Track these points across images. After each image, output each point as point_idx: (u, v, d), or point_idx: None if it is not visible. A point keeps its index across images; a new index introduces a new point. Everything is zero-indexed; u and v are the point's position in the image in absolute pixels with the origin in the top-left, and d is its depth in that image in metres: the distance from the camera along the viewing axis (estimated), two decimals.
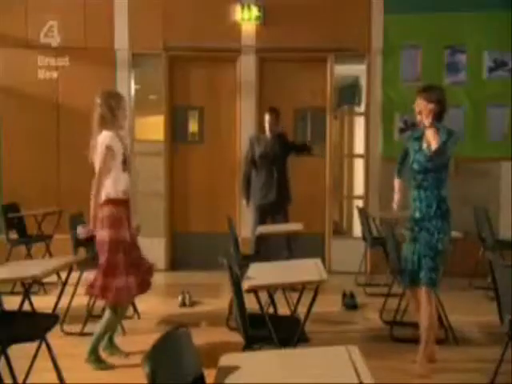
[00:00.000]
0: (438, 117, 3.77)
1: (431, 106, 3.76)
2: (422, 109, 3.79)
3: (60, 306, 3.81)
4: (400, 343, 4.35)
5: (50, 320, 3.30)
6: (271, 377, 1.90)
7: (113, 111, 3.97)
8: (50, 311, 3.61)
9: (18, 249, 6.21)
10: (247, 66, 7.05)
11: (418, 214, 3.86)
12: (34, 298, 3.56)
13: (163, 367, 1.72)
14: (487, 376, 3.42)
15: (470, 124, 6.89)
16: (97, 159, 3.94)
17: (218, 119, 7.25)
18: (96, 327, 4.08)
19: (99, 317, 4.79)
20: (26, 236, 6.48)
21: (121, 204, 3.99)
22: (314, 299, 3.08)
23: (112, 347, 4.18)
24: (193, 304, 5.54)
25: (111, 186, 3.95)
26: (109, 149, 3.90)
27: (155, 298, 5.75)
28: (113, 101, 4.00)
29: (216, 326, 4.85)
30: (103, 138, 3.93)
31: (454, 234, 4.70)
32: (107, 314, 4.05)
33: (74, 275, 4.27)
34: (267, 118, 6.17)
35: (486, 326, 4.79)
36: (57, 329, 3.90)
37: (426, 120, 3.76)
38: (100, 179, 3.92)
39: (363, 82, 7.20)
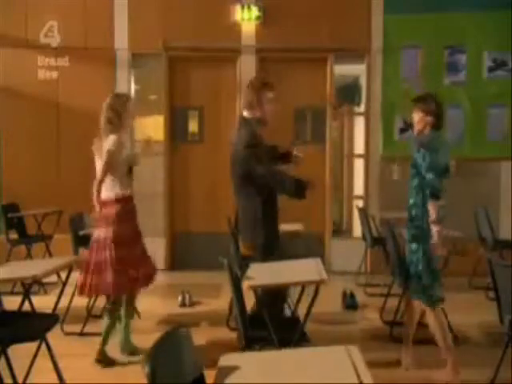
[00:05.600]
0: (435, 127, 3.78)
1: (428, 118, 3.77)
2: (419, 121, 3.80)
3: (60, 305, 3.81)
4: (400, 343, 4.34)
5: (50, 320, 3.29)
6: (271, 377, 1.90)
7: (119, 113, 4.03)
8: (50, 311, 3.61)
9: (18, 249, 6.21)
10: (247, 66, 7.05)
11: (408, 215, 3.86)
12: (34, 298, 3.57)
13: (163, 367, 1.72)
14: (487, 376, 3.41)
15: (470, 124, 6.89)
16: (100, 161, 4.03)
17: (218, 119, 7.25)
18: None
19: (99, 317, 4.81)
20: (26, 236, 6.48)
21: (123, 202, 4.04)
22: (313, 299, 3.08)
23: (130, 346, 4.24)
24: (193, 304, 5.54)
25: (113, 187, 4.03)
26: (110, 153, 3.97)
27: (155, 298, 5.76)
28: (118, 102, 4.07)
29: (216, 325, 4.85)
30: (108, 142, 4.00)
31: (454, 233, 4.72)
32: (105, 319, 4.12)
33: (74, 275, 4.26)
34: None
35: (486, 326, 4.79)
36: (57, 329, 3.90)
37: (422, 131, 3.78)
38: (100, 181, 4.00)
39: (363, 82, 7.20)
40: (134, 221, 4.16)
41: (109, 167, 3.98)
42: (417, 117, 3.82)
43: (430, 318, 3.81)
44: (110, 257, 3.97)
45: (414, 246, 3.78)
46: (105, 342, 4.06)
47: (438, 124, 3.79)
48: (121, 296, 4.14)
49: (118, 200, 4.03)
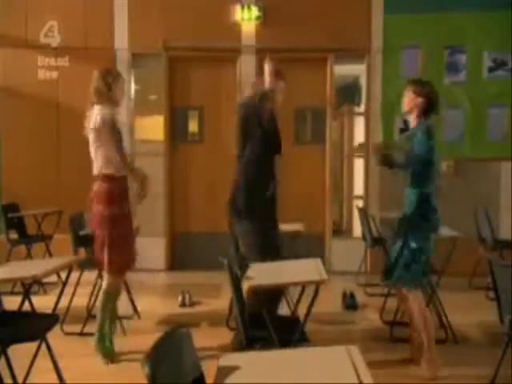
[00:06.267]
0: (424, 113, 3.76)
1: (419, 100, 3.74)
2: (409, 101, 3.78)
3: (60, 305, 3.81)
4: (400, 343, 4.35)
5: (50, 320, 3.29)
6: (271, 377, 1.90)
7: (109, 86, 4.00)
8: (50, 311, 3.61)
9: (18, 249, 6.21)
10: (247, 66, 7.05)
11: (404, 212, 3.87)
12: (34, 298, 3.57)
13: (163, 367, 1.72)
14: (487, 376, 3.41)
15: (470, 124, 6.89)
16: (94, 132, 3.96)
17: (218, 119, 7.25)
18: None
19: None
20: (26, 236, 6.47)
21: (117, 180, 4.00)
22: (313, 299, 3.08)
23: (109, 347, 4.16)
24: (193, 304, 5.54)
25: (107, 162, 3.97)
26: (106, 122, 3.91)
27: (155, 298, 5.76)
28: (110, 77, 4.04)
29: (216, 326, 4.85)
30: (100, 111, 3.94)
31: (454, 233, 4.72)
32: (103, 297, 4.10)
33: (74, 275, 4.27)
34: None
35: (486, 326, 4.79)
36: (57, 329, 3.90)
37: (412, 118, 3.80)
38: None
39: (363, 82, 7.20)
40: (126, 201, 4.09)
41: (101, 135, 3.91)
42: (407, 98, 3.81)
43: (412, 303, 3.82)
44: (108, 234, 3.96)
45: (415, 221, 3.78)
46: (101, 335, 4.04)
47: (427, 110, 3.76)
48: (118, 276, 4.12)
49: (112, 178, 3.96)
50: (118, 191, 3.99)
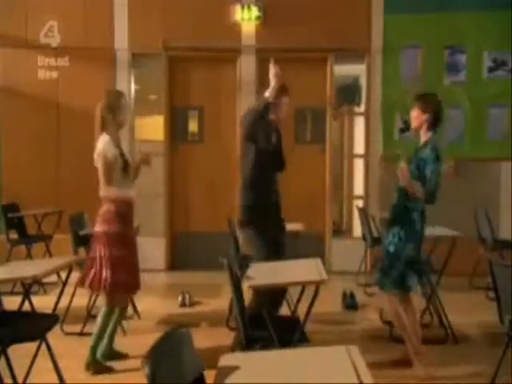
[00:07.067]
0: (432, 127, 3.80)
1: (425, 116, 3.78)
2: (416, 117, 3.83)
3: (60, 305, 3.81)
4: (400, 343, 4.34)
5: (50, 320, 3.29)
6: (271, 377, 1.90)
7: (113, 110, 3.97)
8: (50, 311, 3.61)
9: (18, 249, 6.21)
10: (247, 66, 7.05)
11: (389, 215, 3.90)
12: (34, 298, 3.57)
13: (163, 368, 1.72)
14: (487, 376, 3.42)
15: (470, 124, 6.89)
16: (99, 165, 3.95)
17: (218, 119, 7.25)
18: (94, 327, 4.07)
19: None
20: (26, 236, 6.48)
21: (125, 203, 3.98)
22: (313, 299, 3.08)
23: (112, 353, 4.12)
24: (193, 304, 5.54)
25: (115, 189, 3.94)
26: (105, 157, 3.88)
27: (155, 298, 5.76)
28: (112, 99, 4.01)
29: (216, 326, 4.85)
30: (100, 143, 3.92)
31: (454, 233, 4.72)
32: (104, 312, 4.01)
33: (74, 275, 4.26)
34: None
35: (486, 325, 4.79)
36: (57, 329, 3.90)
37: (421, 133, 3.82)
38: (106, 186, 3.92)
39: (363, 82, 7.20)
40: (128, 224, 4.04)
41: (106, 168, 3.88)
42: (414, 113, 3.85)
43: (389, 304, 3.83)
44: (107, 254, 3.89)
45: (395, 229, 3.79)
46: (95, 347, 3.93)
47: (435, 124, 3.80)
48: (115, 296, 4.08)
49: (112, 200, 3.92)
50: (114, 212, 3.93)
